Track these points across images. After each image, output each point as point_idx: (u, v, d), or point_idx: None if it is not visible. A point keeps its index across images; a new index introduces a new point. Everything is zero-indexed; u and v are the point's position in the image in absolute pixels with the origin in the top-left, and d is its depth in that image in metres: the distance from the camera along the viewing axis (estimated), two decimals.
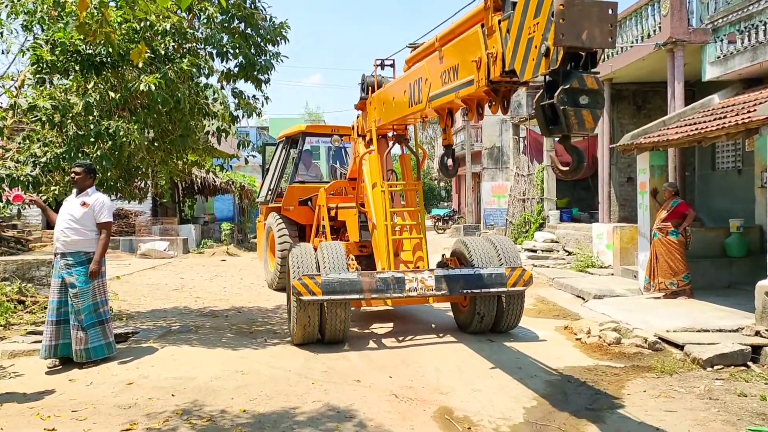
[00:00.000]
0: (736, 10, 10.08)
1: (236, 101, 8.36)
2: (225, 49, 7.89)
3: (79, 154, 7.00)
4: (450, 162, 6.73)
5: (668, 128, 10.14)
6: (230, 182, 20.87)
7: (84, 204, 6.41)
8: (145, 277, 14.38)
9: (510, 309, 7.55)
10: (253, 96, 8.51)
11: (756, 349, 6.76)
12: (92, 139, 6.87)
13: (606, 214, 14.11)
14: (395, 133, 8.45)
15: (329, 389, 5.65)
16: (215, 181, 19.92)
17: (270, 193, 12.27)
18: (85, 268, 6.30)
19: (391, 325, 8.63)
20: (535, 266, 14.07)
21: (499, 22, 4.31)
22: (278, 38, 8.29)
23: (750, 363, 6.55)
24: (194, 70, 7.37)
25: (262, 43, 8.23)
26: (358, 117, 9.14)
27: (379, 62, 8.29)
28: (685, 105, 11.13)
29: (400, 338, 7.73)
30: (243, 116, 8.40)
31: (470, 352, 6.99)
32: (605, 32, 3.54)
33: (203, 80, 7.93)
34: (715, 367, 6.36)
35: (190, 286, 12.74)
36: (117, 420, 4.89)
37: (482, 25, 4.58)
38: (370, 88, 8.37)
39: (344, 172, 11.26)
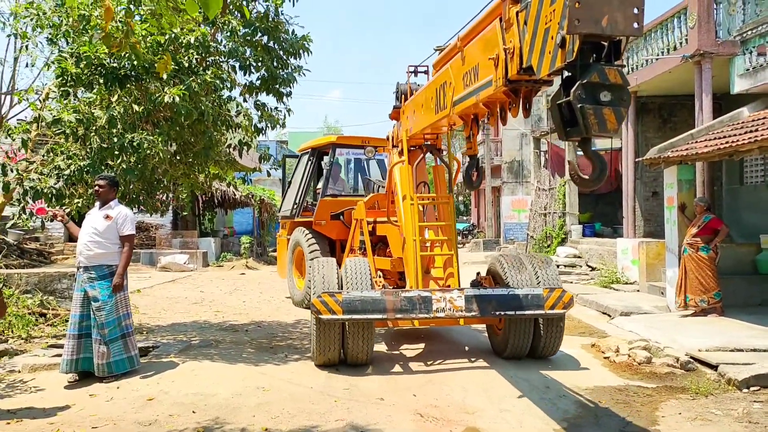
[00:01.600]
0: (766, 22, 9.89)
1: (259, 113, 8.35)
2: (248, 62, 7.91)
3: (103, 167, 6.99)
4: (474, 173, 6.24)
5: (696, 141, 9.93)
6: (250, 195, 20.89)
7: (107, 217, 6.37)
8: (165, 290, 14.37)
9: (548, 333, 7.01)
10: (275, 108, 8.51)
11: None
12: (116, 152, 6.86)
13: (631, 229, 13.86)
14: (427, 143, 8.08)
15: (352, 408, 5.52)
16: (235, 195, 19.97)
17: (295, 206, 11.66)
18: (109, 281, 6.26)
19: (421, 346, 8.18)
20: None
21: (517, 13, 3.94)
22: (301, 51, 8.29)
23: None
24: (218, 82, 7.35)
25: (284, 56, 8.23)
26: (393, 127, 8.76)
27: (412, 69, 7.97)
28: (712, 118, 10.91)
29: (429, 362, 7.24)
30: (266, 128, 8.37)
31: (496, 372, 6.80)
32: (629, 17, 3.11)
33: (226, 93, 7.92)
34: (752, 389, 6.12)
35: (209, 300, 12.69)
36: None
37: (500, 19, 4.22)
38: (403, 96, 8.02)
39: (381, 185, 10.70)
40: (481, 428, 5.04)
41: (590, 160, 3.54)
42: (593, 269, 14.80)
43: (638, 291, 12.12)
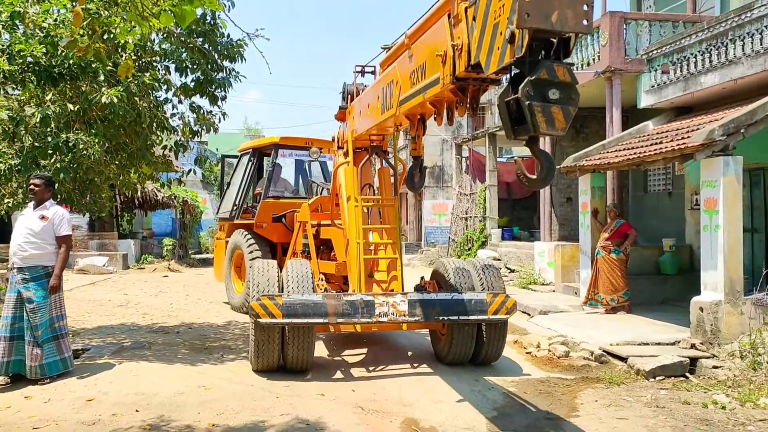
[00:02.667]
0: (669, 43, 10.79)
1: (195, 116, 8.37)
2: (184, 65, 7.92)
3: (34, 166, 6.86)
4: (417, 174, 6.21)
5: (608, 152, 10.71)
6: (173, 197, 20.50)
7: (43, 217, 6.28)
8: (86, 293, 13.96)
9: (491, 339, 6.90)
10: (209, 111, 8.54)
11: (693, 361, 7.25)
12: (49, 151, 6.76)
13: (547, 233, 14.66)
14: (373, 144, 7.88)
15: (295, 403, 5.72)
16: (157, 196, 19.55)
17: (235, 208, 11.36)
18: (43, 282, 6.17)
19: (364, 351, 8.03)
20: None
21: (466, 9, 3.87)
22: (236, 55, 8.36)
23: (688, 374, 7.01)
24: (155, 83, 7.36)
25: (219, 60, 8.28)
26: (339, 128, 8.62)
27: (359, 69, 7.77)
28: (622, 130, 11.78)
29: (371, 368, 7.11)
30: (201, 131, 8.40)
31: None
32: (579, 14, 3.08)
33: (162, 95, 7.92)
34: (657, 378, 6.78)
35: (135, 302, 12.46)
36: None
37: (449, 15, 4.16)
38: (350, 96, 7.85)
39: (325, 187, 10.55)
40: (418, 419, 5.37)
41: (538, 160, 3.50)
42: (512, 271, 15.53)
43: (554, 291, 12.87)
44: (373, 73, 7.60)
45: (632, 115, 12.93)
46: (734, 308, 7.79)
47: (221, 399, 5.80)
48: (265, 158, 11.56)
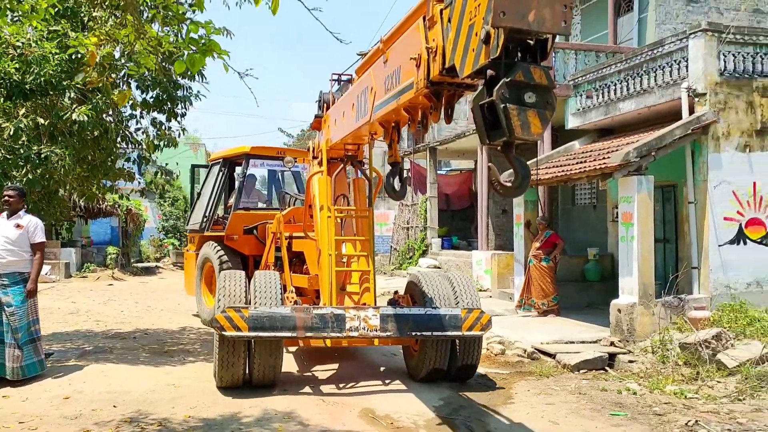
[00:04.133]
0: (592, 71, 11.90)
1: (156, 131, 8.80)
2: (147, 83, 8.34)
3: (3, 177, 7.19)
4: (397, 182, 5.81)
5: (540, 168, 11.70)
6: (116, 205, 20.49)
7: (18, 226, 6.64)
8: None
9: (465, 355, 6.75)
10: (169, 127, 8.97)
11: (612, 356, 8.22)
12: (20, 163, 7.11)
13: (484, 243, 15.62)
14: (349, 154, 7.60)
15: (262, 398, 6.26)
16: (100, 204, 19.49)
17: (205, 220, 10.96)
18: (21, 287, 6.53)
19: (334, 366, 7.84)
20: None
21: (441, 11, 3.76)
22: (196, 75, 8.79)
23: (607, 367, 7.96)
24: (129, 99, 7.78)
25: (178, 79, 8.67)
26: (315, 138, 8.40)
27: (335, 77, 7.55)
28: (552, 149, 12.83)
29: (341, 384, 6.92)
30: (163, 146, 8.83)
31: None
32: (557, 14, 2.98)
33: (128, 110, 8.33)
34: (581, 371, 7.69)
35: (85, 310, 12.62)
36: (69, 429, 5.26)
37: (424, 18, 4.06)
38: (326, 105, 7.60)
39: (298, 198, 10.20)
40: (375, 408, 6.03)
41: (513, 167, 3.36)
42: None
43: (491, 297, 13.78)
44: (350, 81, 7.22)
45: (561, 135, 14.03)
46: (647, 310, 8.82)
47: (192, 395, 6.30)
48: (236, 168, 11.31)
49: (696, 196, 9.50)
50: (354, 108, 5.90)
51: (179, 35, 3.30)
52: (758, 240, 9.62)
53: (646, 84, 10.53)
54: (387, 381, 7.09)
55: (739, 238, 9.53)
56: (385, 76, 4.89)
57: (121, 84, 8.38)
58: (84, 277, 19.27)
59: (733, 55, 9.59)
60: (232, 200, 10.90)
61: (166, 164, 10.64)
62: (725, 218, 9.43)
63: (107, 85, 5.30)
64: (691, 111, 9.50)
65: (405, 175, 5.84)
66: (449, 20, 3.62)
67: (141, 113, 8.61)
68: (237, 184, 10.91)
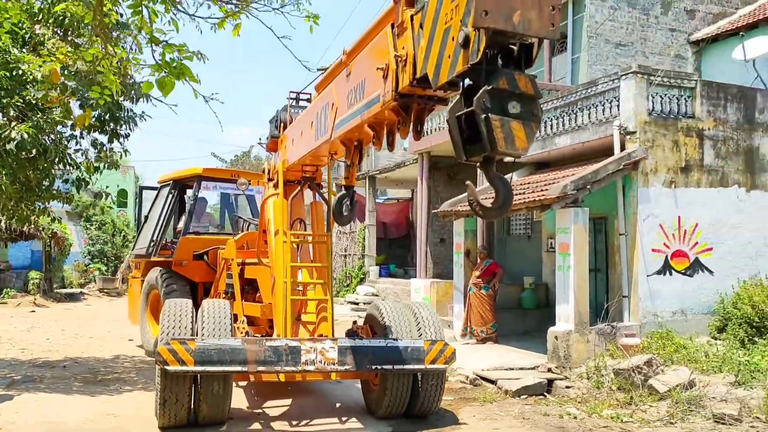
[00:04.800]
0: None
1: (96, 152, 8.58)
2: (90, 102, 8.15)
3: None
4: (347, 206, 5.52)
5: (480, 199, 12.02)
6: (41, 228, 19.60)
7: None
8: None
9: (428, 390, 6.37)
10: (111, 148, 8.76)
11: (550, 382, 8.46)
12: None
13: (423, 271, 15.81)
14: (306, 176, 7.19)
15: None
16: (23, 227, 18.60)
17: (153, 244, 10.43)
18: None
19: (287, 402, 7.37)
20: (360, 317, 15.26)
21: (412, 17, 3.49)
22: (141, 97, 8.61)
23: (546, 393, 8.20)
24: (65, 120, 7.57)
25: (120, 100, 8.47)
26: (270, 159, 8.03)
27: (293, 95, 7.18)
28: None
29: (294, 421, 6.50)
30: (103, 167, 8.60)
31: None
32: (545, 17, 2.73)
33: (68, 131, 8.09)
34: (522, 396, 7.89)
35: (8, 338, 11.99)
36: None
37: (392, 25, 3.76)
38: (283, 125, 7.23)
39: (252, 223, 9.78)
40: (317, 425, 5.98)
41: (494, 186, 3.08)
42: None
43: None
44: (309, 100, 6.95)
45: (499, 167, 14.49)
46: (582, 337, 9.16)
47: (134, 426, 6.11)
48: (187, 191, 10.81)
49: (626, 228, 9.99)
50: (313, 126, 5.57)
51: (154, 56, 3.29)
52: (682, 271, 10.18)
53: (580, 121, 11.06)
54: (344, 418, 6.70)
55: (666, 268, 10.07)
56: (348, 90, 4.60)
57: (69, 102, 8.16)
58: (3, 303, 18.29)
59: (660, 96, 10.23)
60: (181, 224, 10.47)
61: (106, 187, 9.91)
62: (653, 249, 9.96)
63: (67, 104, 5.15)
64: (623, 147, 10.04)
65: (354, 200, 5.55)
66: (421, 26, 3.36)
67: (81, 133, 8.38)
68: (187, 207, 10.41)
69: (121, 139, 8.60)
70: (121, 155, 8.90)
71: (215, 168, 11.05)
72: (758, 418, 6.48)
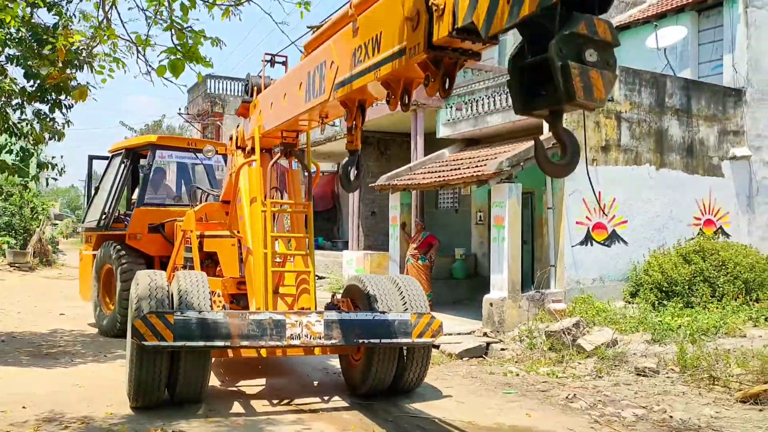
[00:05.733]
0: (463, 86, 12.97)
1: (38, 122, 8.37)
2: (32, 69, 7.94)
3: None
4: (354, 172, 4.93)
5: (415, 174, 12.54)
6: None
7: None
8: None
9: (413, 364, 6.25)
10: (52, 119, 8.56)
11: (487, 345, 9.15)
12: None
13: (355, 243, 16.24)
14: (284, 142, 6.67)
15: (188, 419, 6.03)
16: None
17: (104, 217, 9.97)
18: None
19: (261, 381, 7.10)
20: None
21: None
22: (84, 65, 8.47)
23: (484, 355, 8.88)
24: (13, 88, 7.38)
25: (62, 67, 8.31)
26: (238, 126, 7.68)
27: (268, 58, 6.77)
28: (424, 155, 13.75)
29: (275, 401, 6.24)
30: (48, 139, 8.42)
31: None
32: None
33: (16, 100, 7.87)
34: (465, 359, 8.53)
35: None
36: None
37: None
38: (256, 89, 6.86)
39: (212, 194, 9.38)
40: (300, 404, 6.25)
41: (561, 141, 2.89)
42: (321, 278, 16.84)
43: None
44: (284, 63, 6.74)
45: (432, 142, 15.03)
46: (515, 303, 9.91)
47: (102, 394, 6.19)
48: (140, 160, 10.44)
49: (554, 202, 10.79)
50: (302, 88, 5.14)
51: (172, 39, 3.39)
52: (602, 242, 11.13)
53: (511, 101, 11.70)
54: (325, 397, 6.48)
55: (587, 239, 10.98)
56: (355, 46, 4.24)
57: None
58: None
59: None
60: (135, 195, 10.05)
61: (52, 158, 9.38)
62: (577, 222, 10.82)
63: (68, 84, 5.09)
64: None
65: (361, 164, 4.95)
66: None
67: (22, 102, 8.14)
68: (141, 177, 9.90)
69: (64, 110, 8.42)
70: (64, 125, 8.70)
71: (170, 136, 10.29)
72: (673, 369, 7.38)
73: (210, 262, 8.08)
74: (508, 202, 10.01)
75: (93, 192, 11.19)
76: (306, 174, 6.75)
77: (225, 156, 9.66)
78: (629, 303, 10.72)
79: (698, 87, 12.65)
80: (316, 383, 7.16)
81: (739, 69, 13.20)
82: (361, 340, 5.74)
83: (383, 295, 6.26)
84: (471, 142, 13.51)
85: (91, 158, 11.33)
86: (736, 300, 9.83)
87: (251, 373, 7.36)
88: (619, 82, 11.36)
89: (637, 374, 7.40)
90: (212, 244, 7.92)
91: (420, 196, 13.90)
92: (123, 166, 10.17)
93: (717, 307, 9.67)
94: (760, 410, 5.92)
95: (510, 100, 11.67)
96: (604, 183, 11.14)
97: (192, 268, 7.83)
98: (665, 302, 10.16)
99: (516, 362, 8.30)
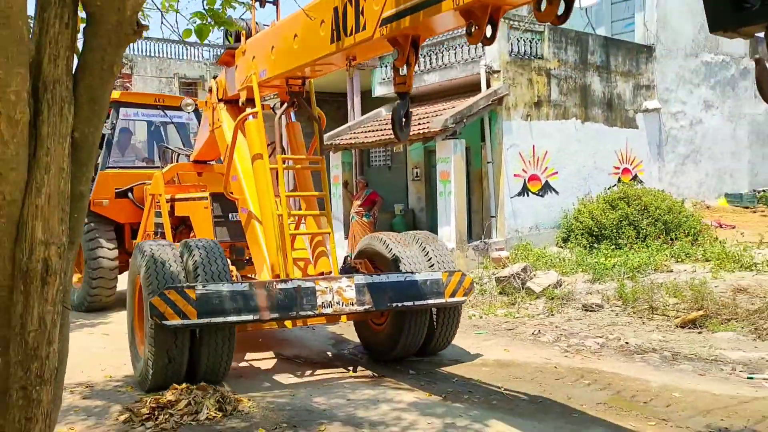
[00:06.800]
0: None
1: None
2: None
3: None
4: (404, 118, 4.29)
5: (355, 133, 12.79)
6: None
7: None
8: None
9: (444, 324, 5.87)
10: None
11: None
12: None
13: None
14: (290, 90, 5.85)
15: None
16: None
17: None
18: None
19: (269, 354, 6.60)
20: None
21: None
22: None
23: None
24: None
25: None
26: (219, 76, 6.94)
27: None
28: (362, 114, 13.99)
29: (298, 373, 5.83)
30: None
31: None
32: None
33: None
34: None
35: None
36: None
37: None
38: (244, 33, 6.18)
39: (183, 153, 8.73)
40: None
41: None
42: None
43: None
44: (275, 3, 6.07)
45: (367, 101, 15.24)
46: (462, 253, 10.51)
47: (93, 360, 6.17)
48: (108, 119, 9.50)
49: (493, 157, 11.40)
50: (325, 26, 4.56)
51: (203, 3, 3.41)
52: (536, 192, 11.91)
53: (447, 59, 12.13)
54: (349, 367, 6.06)
55: (524, 191, 11.72)
56: None
57: None
58: None
59: (518, 39, 11.59)
60: (99, 158, 9.23)
61: None
62: (514, 175, 11.51)
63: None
64: (488, 85, 11.31)
65: (409, 110, 4.38)
66: None
67: None
68: (105, 137, 9.00)
69: None
70: None
71: (134, 92, 9.75)
72: (615, 304, 8.20)
73: (184, 228, 7.69)
74: (454, 158, 10.51)
75: None
76: (314, 123, 6.05)
77: (197, 112, 9.12)
78: (561, 248, 11.59)
79: (615, 44, 13.54)
80: (329, 354, 6.74)
81: (650, 27, 14.21)
82: (394, 304, 5.33)
83: (407, 254, 5.81)
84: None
85: None
86: (657, 240, 10.87)
87: (255, 347, 6.82)
88: (549, 41, 12.01)
89: (585, 310, 8.16)
90: (183, 207, 7.51)
91: (359, 154, 14.20)
92: None
93: (642, 247, 10.66)
94: (699, 332, 6.78)
95: (445, 59, 12.11)
96: (537, 137, 11.86)
97: (163, 234, 7.54)
98: (596, 245, 11.07)
99: (472, 306, 8.88)
